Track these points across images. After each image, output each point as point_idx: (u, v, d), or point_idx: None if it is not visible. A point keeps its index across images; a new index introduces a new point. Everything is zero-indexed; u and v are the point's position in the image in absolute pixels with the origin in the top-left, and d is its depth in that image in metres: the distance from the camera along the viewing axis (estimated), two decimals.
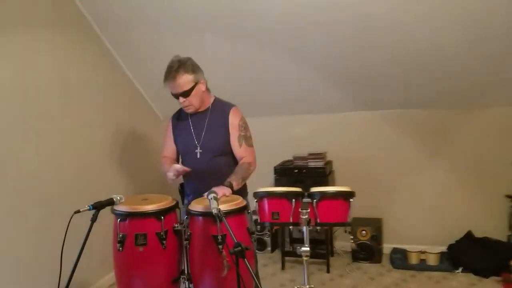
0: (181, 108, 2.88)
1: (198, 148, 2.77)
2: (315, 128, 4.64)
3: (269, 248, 4.69)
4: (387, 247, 4.52)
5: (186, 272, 2.54)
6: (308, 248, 2.33)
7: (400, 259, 4.30)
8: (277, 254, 4.58)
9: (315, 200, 2.36)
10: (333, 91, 4.28)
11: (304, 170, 4.20)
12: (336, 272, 4.16)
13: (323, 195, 2.39)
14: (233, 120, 2.78)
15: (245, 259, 1.98)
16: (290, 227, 2.39)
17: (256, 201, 2.47)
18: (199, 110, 2.81)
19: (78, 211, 2.11)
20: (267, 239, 4.64)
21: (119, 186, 4.29)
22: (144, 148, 4.75)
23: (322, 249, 4.26)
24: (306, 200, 2.45)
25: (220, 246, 2.26)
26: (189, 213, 2.40)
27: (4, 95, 3.10)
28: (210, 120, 2.80)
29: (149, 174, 4.76)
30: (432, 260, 4.18)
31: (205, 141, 2.77)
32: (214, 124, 2.79)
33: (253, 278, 1.99)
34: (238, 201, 2.41)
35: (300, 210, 2.33)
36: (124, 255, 2.41)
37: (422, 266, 4.15)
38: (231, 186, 2.54)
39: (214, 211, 2.08)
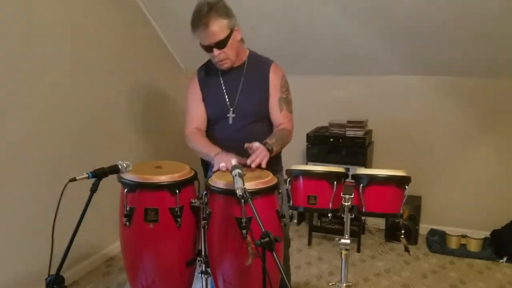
0: (209, 62, 2.44)
1: (231, 112, 2.35)
2: (357, 92, 4.15)
3: (295, 220, 4.34)
4: (424, 227, 4.12)
5: (203, 253, 2.19)
6: (348, 241, 1.95)
7: (438, 242, 3.90)
8: (304, 227, 4.23)
9: (361, 185, 1.94)
10: (383, 50, 3.76)
11: (341, 139, 3.76)
12: (367, 252, 3.80)
13: (372, 179, 1.96)
14: (275, 79, 2.35)
15: (274, 252, 1.61)
16: (329, 214, 1.98)
17: (289, 181, 2.07)
18: (234, 65, 2.36)
19: (74, 179, 1.74)
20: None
21: (133, 149, 3.92)
22: (163, 105, 4.33)
23: (352, 225, 3.86)
24: (348, 182, 2.03)
25: (244, 231, 1.90)
26: (209, 189, 2.02)
27: (7, 38, 2.71)
28: (247, 78, 2.37)
29: (167, 136, 4.38)
30: (473, 246, 3.80)
31: (239, 103, 2.34)
32: (251, 83, 2.36)
33: (281, 273, 1.62)
34: (268, 179, 2.02)
35: (342, 195, 1.92)
36: (131, 232, 2.07)
37: (462, 252, 3.78)
38: (270, 151, 2.13)
39: (239, 191, 1.70)
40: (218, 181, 2.01)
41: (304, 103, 4.26)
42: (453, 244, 3.83)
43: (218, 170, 2.12)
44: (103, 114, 3.53)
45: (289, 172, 2.08)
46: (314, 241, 4.00)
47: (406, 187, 1.96)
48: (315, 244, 3.98)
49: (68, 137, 3.20)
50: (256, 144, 2.09)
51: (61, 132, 3.13)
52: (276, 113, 2.34)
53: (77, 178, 1.74)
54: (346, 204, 1.90)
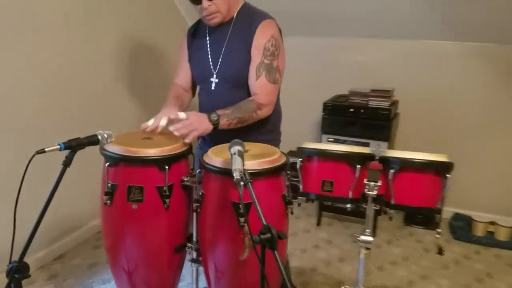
0: (199, 21, 2.15)
1: (214, 76, 2.05)
2: (382, 58, 3.73)
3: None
4: (447, 211, 3.76)
5: (194, 239, 1.89)
6: (371, 238, 1.62)
7: (462, 228, 3.56)
8: (313, 205, 3.90)
9: (392, 171, 1.59)
10: (415, 11, 3.33)
11: (362, 110, 3.37)
12: (383, 237, 3.48)
13: (406, 164, 1.61)
14: (259, 39, 1.98)
15: (276, 251, 1.29)
16: (348, 205, 1.65)
17: (301, 161, 1.72)
18: (224, 20, 2.04)
19: (43, 151, 1.44)
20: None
21: (127, 116, 3.55)
22: (164, 66, 3.91)
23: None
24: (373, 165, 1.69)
25: (242, 219, 1.59)
26: (204, 167, 1.70)
27: None
28: (232, 37, 2.03)
29: (162, 103, 3.96)
30: (502, 235, 3.44)
31: (222, 67, 2.04)
32: (235, 43, 2.02)
33: (282, 275, 1.31)
34: (274, 157, 1.69)
35: (365, 181, 1.57)
36: (112, 211, 1.79)
37: (490, 241, 3.43)
38: (215, 123, 1.84)
39: (236, 174, 1.37)
40: (214, 158, 1.69)
41: (321, 68, 3.91)
42: (479, 231, 3.49)
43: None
44: (95, 77, 3.16)
45: (300, 151, 1.74)
46: (323, 221, 3.69)
47: (448, 175, 1.60)
48: (324, 225, 3.67)
49: (49, 102, 2.82)
50: (182, 114, 1.84)
51: (41, 97, 2.76)
52: (251, 80, 1.99)
53: (46, 149, 1.45)
54: (371, 193, 1.55)
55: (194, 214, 1.85)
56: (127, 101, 3.54)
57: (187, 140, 1.81)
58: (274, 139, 2.20)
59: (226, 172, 1.61)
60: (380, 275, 2.95)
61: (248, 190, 1.39)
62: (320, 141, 3.48)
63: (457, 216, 3.74)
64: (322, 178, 1.67)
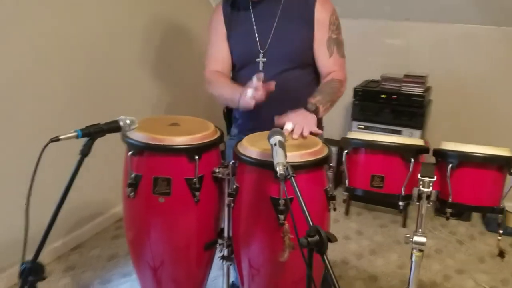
0: None
1: (261, 55, 1.83)
2: (416, 42, 3.50)
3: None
4: None
5: (226, 235, 1.74)
6: (424, 239, 1.45)
7: (494, 219, 3.36)
8: (340, 192, 3.70)
9: (450, 165, 1.40)
10: None
11: (395, 96, 3.17)
12: (414, 228, 3.28)
13: (466, 158, 1.42)
14: (322, 13, 1.81)
15: (325, 256, 1.14)
16: (400, 203, 1.48)
17: (346, 154, 1.54)
18: None
19: (57, 139, 1.28)
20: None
21: (145, 99, 3.35)
22: (183, 46, 3.70)
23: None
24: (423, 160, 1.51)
25: (282, 216, 1.43)
26: (238, 158, 1.53)
27: None
28: (284, 12, 1.83)
29: (186, 84, 3.79)
30: None
31: (273, 44, 1.82)
32: (290, 19, 1.83)
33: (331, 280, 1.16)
34: (317, 148, 1.52)
35: (419, 177, 1.39)
36: (136, 205, 1.64)
37: None
38: (316, 112, 1.67)
39: (279, 169, 1.20)
40: (250, 149, 1.52)
41: (352, 52, 3.62)
42: None
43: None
44: (108, 57, 2.95)
45: (345, 142, 1.56)
46: (352, 211, 3.52)
47: None
48: (353, 215, 3.49)
49: (62, 86, 2.63)
50: (289, 124, 1.61)
51: (54, 81, 2.57)
52: (324, 58, 1.82)
53: (61, 137, 1.29)
54: (425, 190, 1.37)
55: (226, 208, 1.70)
56: (151, 85, 3.37)
57: (305, 133, 1.61)
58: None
59: (264, 164, 1.46)
60: None
61: (290, 185, 1.22)
62: (350, 128, 3.29)
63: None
64: (371, 173, 1.49)
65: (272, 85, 1.63)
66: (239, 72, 1.93)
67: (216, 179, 1.66)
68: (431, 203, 1.45)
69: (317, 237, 1.15)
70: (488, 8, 3.14)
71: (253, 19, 1.86)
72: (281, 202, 1.43)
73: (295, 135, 1.58)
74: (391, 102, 3.18)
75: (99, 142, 1.37)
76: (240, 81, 1.87)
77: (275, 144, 1.31)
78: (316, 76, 1.91)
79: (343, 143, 1.55)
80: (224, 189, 1.66)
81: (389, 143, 1.46)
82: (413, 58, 3.44)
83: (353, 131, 1.64)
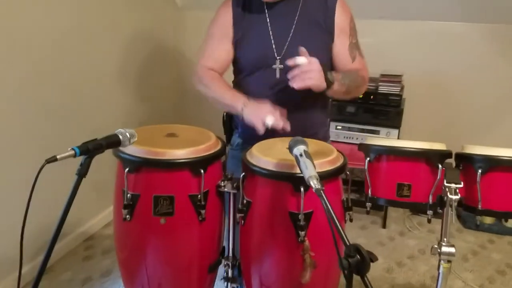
0: None
1: (278, 62, 1.68)
2: (388, 40, 3.46)
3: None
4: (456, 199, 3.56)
5: (230, 253, 1.60)
6: (453, 249, 1.36)
7: (471, 216, 3.38)
8: None
9: (480, 171, 1.33)
10: None
11: (372, 96, 3.12)
12: (394, 228, 3.27)
13: (496, 162, 1.35)
14: (343, 19, 1.69)
15: (367, 278, 1.03)
16: (429, 213, 1.39)
17: (368, 161, 1.44)
18: None
19: (54, 159, 1.11)
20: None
21: (119, 112, 3.15)
22: (151, 51, 3.53)
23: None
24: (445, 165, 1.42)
25: (302, 233, 1.31)
26: (249, 169, 1.39)
27: None
28: (303, 16, 1.69)
29: (160, 92, 3.65)
30: (511, 221, 3.29)
31: (291, 50, 1.65)
32: (309, 23, 1.69)
33: None
34: (334, 156, 1.40)
35: (446, 183, 1.31)
36: (132, 228, 1.46)
37: (501, 228, 3.28)
38: (329, 84, 1.51)
39: (315, 183, 1.08)
40: (262, 158, 1.38)
41: None
42: (488, 219, 3.33)
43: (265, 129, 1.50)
44: (70, 67, 2.73)
45: (366, 148, 1.45)
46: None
47: None
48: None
49: (43, 110, 2.46)
50: (302, 58, 1.47)
51: (36, 105, 2.40)
52: (348, 64, 1.71)
53: (58, 157, 1.12)
54: (453, 197, 1.29)
55: (231, 225, 1.56)
56: (115, 93, 3.15)
57: (294, 85, 1.45)
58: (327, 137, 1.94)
59: (281, 176, 1.33)
60: (401, 271, 2.74)
61: (320, 199, 1.10)
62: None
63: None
64: (397, 181, 1.39)
65: (288, 127, 1.51)
66: (249, 78, 1.75)
67: (220, 194, 1.52)
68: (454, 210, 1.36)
69: (358, 257, 1.03)
70: (461, 5, 3.15)
71: (268, 22, 1.70)
72: (301, 217, 1.31)
73: (294, 83, 1.45)
74: (369, 102, 3.13)
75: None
76: (249, 87, 1.73)
77: (301, 155, 1.19)
78: None
79: (363, 150, 1.44)
80: (224, 204, 1.52)
81: (416, 149, 1.37)
82: (387, 57, 3.40)
83: (370, 137, 1.52)
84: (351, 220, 1.48)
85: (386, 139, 1.46)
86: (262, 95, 1.63)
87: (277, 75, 1.68)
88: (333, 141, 3.17)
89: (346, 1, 1.74)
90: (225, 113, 1.93)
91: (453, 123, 3.47)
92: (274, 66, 1.68)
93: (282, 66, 1.66)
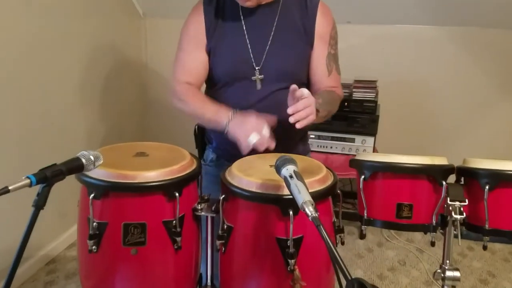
0: None
1: (257, 72, 1.55)
2: (358, 45, 3.40)
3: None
4: None
5: (207, 281, 1.46)
6: (458, 273, 1.26)
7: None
8: None
9: (487, 187, 1.22)
10: None
11: (346, 103, 3.03)
12: (371, 239, 3.19)
13: (505, 177, 1.24)
14: (324, 27, 1.58)
15: None
16: (432, 236, 1.29)
17: (363, 179, 1.32)
18: (262, 2, 1.56)
19: (5, 191, 0.95)
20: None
21: (77, 130, 2.97)
22: (114, 64, 3.36)
23: (350, 203, 3.28)
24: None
25: (292, 261, 1.17)
26: (229, 191, 1.25)
27: None
28: (281, 21, 1.57)
29: (126, 106, 3.47)
30: None
31: (269, 60, 1.55)
32: (288, 29, 1.57)
33: None
34: (323, 174, 1.28)
35: (449, 201, 1.20)
36: (99, 260, 1.30)
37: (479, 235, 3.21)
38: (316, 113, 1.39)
39: (311, 211, 0.96)
40: (244, 179, 1.25)
41: None
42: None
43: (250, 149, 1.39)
44: (27, 80, 2.55)
45: (358, 164, 1.33)
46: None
47: None
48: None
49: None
50: (305, 90, 1.34)
51: None
52: (323, 76, 1.60)
53: (10, 188, 0.97)
54: (459, 217, 1.18)
55: (208, 251, 1.42)
56: (91, 113, 2.96)
57: (299, 126, 1.31)
58: (308, 150, 1.83)
59: (267, 199, 1.20)
60: (383, 284, 2.66)
61: (318, 230, 0.97)
62: None
63: None
64: (397, 201, 1.27)
65: (273, 145, 1.40)
66: (225, 90, 1.62)
67: (196, 218, 1.37)
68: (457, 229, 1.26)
69: None
70: (429, 8, 3.11)
71: (244, 29, 1.56)
72: (290, 243, 1.18)
73: (295, 119, 1.30)
74: (342, 109, 3.03)
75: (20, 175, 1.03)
76: (225, 100, 1.58)
77: (291, 177, 1.06)
78: None
79: (355, 166, 1.32)
80: (200, 228, 1.38)
81: (417, 165, 1.25)
82: (357, 62, 3.33)
83: (361, 152, 1.40)
84: (342, 243, 1.36)
85: (380, 154, 1.33)
86: (240, 108, 1.50)
87: (258, 87, 1.55)
88: None
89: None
90: (196, 126, 1.79)
91: (430, 128, 3.45)
92: (253, 78, 1.56)
93: (262, 76, 1.53)
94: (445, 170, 1.28)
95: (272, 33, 1.55)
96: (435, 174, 1.25)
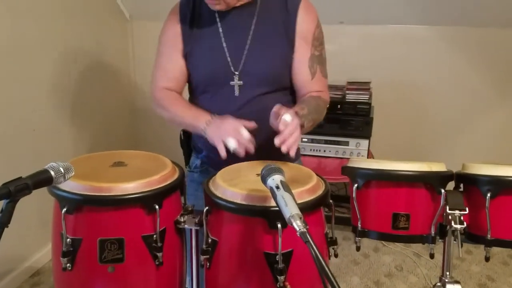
0: (194, 0, 1.53)
1: (236, 77, 1.47)
2: (350, 46, 3.32)
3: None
4: None
5: None
6: (459, 286, 1.18)
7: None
8: None
9: (489, 195, 1.14)
10: None
11: (339, 105, 2.95)
12: (368, 244, 3.11)
13: (507, 184, 1.15)
14: (306, 25, 1.49)
15: None
16: (431, 247, 1.20)
17: (356, 188, 1.23)
18: (237, 4, 1.47)
19: None
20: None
21: (64, 138, 2.87)
22: (100, 70, 3.28)
23: (345, 208, 3.20)
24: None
25: (282, 277, 1.09)
26: (213, 202, 1.17)
27: None
28: (260, 22, 1.48)
29: (111, 114, 3.37)
30: None
31: (249, 64, 1.47)
32: (268, 29, 1.48)
33: None
34: (313, 183, 1.20)
35: (448, 210, 1.12)
36: (75, 279, 1.21)
37: None
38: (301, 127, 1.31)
39: (298, 225, 0.88)
40: (229, 189, 1.17)
41: None
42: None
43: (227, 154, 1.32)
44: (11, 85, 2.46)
45: (351, 172, 1.25)
46: None
47: None
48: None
49: None
50: (288, 116, 1.25)
51: None
52: (306, 79, 1.51)
53: None
54: (459, 226, 1.10)
55: (193, 266, 1.33)
56: (75, 121, 2.85)
57: (292, 153, 1.24)
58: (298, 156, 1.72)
59: (253, 211, 1.11)
60: None
61: (307, 246, 0.90)
62: None
63: None
64: (393, 211, 1.18)
65: (252, 149, 1.32)
66: (204, 96, 1.55)
67: (179, 231, 1.29)
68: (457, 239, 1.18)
69: None
70: (421, 8, 3.04)
71: (221, 32, 1.48)
72: (279, 258, 1.09)
73: (286, 148, 1.23)
74: (335, 111, 2.96)
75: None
76: (204, 106, 1.51)
77: (277, 187, 0.98)
78: (293, 97, 1.58)
79: (348, 174, 1.24)
80: (184, 241, 1.30)
81: (414, 172, 1.17)
82: (350, 63, 3.26)
83: (354, 158, 1.32)
84: (336, 256, 1.28)
85: (374, 161, 1.25)
86: (220, 114, 1.43)
87: (236, 93, 1.48)
88: None
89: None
90: (181, 132, 1.71)
91: (424, 129, 3.39)
92: (232, 83, 1.48)
93: (241, 82, 1.47)
94: (444, 177, 1.20)
95: (250, 35, 1.47)
96: (433, 181, 1.17)
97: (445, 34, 3.16)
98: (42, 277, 2.62)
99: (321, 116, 1.51)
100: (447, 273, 1.19)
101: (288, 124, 1.24)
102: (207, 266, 1.21)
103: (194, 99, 1.58)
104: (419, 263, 2.87)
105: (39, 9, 2.58)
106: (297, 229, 0.87)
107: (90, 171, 1.20)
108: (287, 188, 0.97)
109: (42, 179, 1.00)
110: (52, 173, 1.02)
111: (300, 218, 0.89)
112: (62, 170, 1.03)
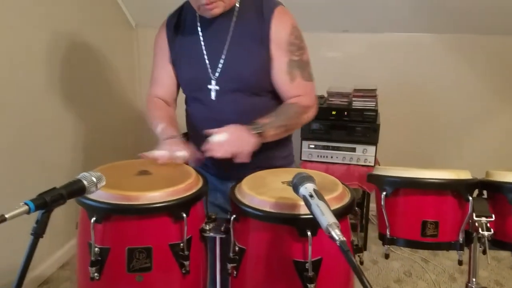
0: (184, 6, 1.62)
1: (214, 82, 1.52)
2: (357, 53, 3.34)
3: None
4: None
5: None
6: None
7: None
8: None
9: None
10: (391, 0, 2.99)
11: (346, 112, 2.97)
12: (375, 250, 3.12)
13: None
14: (279, 33, 1.49)
15: None
16: (459, 254, 1.21)
17: (385, 195, 1.24)
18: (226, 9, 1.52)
19: (3, 219, 0.87)
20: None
21: (69, 146, 2.85)
22: (109, 76, 3.29)
23: (351, 214, 3.18)
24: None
25: (312, 285, 1.10)
26: (241, 210, 1.17)
27: None
28: (237, 31, 1.52)
29: (120, 120, 3.38)
30: None
31: (226, 69, 1.51)
32: (244, 38, 1.51)
33: None
34: (339, 191, 1.20)
35: (475, 217, 1.13)
36: None
37: None
38: (261, 135, 1.37)
39: (337, 234, 0.88)
40: (257, 197, 1.17)
41: None
42: None
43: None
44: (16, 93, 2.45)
45: (379, 180, 1.25)
46: None
47: None
48: None
49: None
50: (215, 138, 1.35)
51: None
52: (285, 84, 1.53)
53: (7, 216, 0.90)
54: (486, 233, 1.11)
55: (217, 275, 1.33)
56: (84, 129, 2.84)
57: (218, 155, 1.31)
58: (291, 162, 1.74)
59: (283, 219, 1.12)
60: None
61: (344, 256, 0.90)
62: (300, 148, 3.03)
63: None
64: (422, 218, 1.19)
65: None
66: (190, 100, 1.65)
67: (203, 239, 1.29)
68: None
69: None
70: (427, 16, 3.07)
71: (201, 40, 1.54)
72: (309, 266, 1.09)
73: (218, 153, 1.31)
74: (342, 118, 2.98)
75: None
76: (190, 111, 1.65)
77: (311, 196, 0.98)
78: (276, 102, 1.59)
79: (375, 182, 1.25)
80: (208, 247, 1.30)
81: (442, 180, 1.18)
82: (356, 70, 3.28)
83: (379, 167, 1.33)
84: (361, 263, 1.29)
85: (401, 169, 1.25)
86: (200, 118, 1.59)
87: (213, 97, 1.53)
88: (306, 161, 3.04)
89: (290, 12, 1.56)
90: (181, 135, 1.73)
91: (431, 136, 3.40)
92: (209, 87, 1.53)
93: (218, 87, 1.52)
94: (471, 185, 1.21)
95: (228, 41, 1.51)
96: (460, 189, 1.18)
97: (450, 42, 3.19)
98: (51, 286, 2.60)
99: (297, 121, 1.53)
100: (473, 279, 1.20)
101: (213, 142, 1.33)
102: (234, 275, 1.22)
103: (187, 105, 1.67)
104: (427, 268, 2.87)
105: (49, 18, 2.58)
106: (336, 238, 0.87)
107: (116, 180, 1.20)
108: (321, 197, 0.97)
109: (76, 189, 1.01)
110: (85, 182, 1.02)
111: (338, 227, 0.90)
112: (95, 180, 1.04)
